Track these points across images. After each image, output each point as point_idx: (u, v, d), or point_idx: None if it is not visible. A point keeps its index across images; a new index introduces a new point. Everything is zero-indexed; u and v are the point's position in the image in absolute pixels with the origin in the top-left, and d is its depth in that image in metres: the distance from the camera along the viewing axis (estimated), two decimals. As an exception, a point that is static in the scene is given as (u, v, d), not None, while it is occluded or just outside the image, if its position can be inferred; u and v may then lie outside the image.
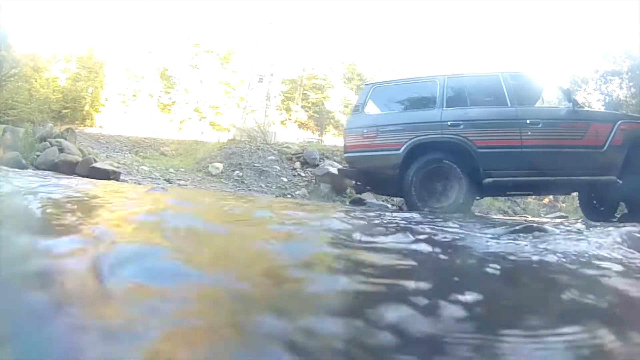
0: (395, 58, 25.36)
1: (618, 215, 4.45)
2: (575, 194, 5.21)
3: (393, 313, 0.70)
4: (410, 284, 0.89)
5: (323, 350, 0.59)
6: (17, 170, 5.43)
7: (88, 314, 0.63)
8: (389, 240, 1.46)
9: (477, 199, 4.93)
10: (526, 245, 1.48)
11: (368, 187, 5.37)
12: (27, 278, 0.76)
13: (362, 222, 2.16)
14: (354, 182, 5.13)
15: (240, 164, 9.62)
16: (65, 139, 7.89)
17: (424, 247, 1.35)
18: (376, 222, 2.23)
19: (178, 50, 24.07)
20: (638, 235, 1.57)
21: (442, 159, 4.00)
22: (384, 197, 7.42)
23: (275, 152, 10.31)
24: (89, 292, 0.73)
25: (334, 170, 8.74)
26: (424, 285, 0.90)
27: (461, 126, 4.03)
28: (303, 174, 9.56)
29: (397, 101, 4.64)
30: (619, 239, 1.52)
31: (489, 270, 1.12)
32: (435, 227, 2.01)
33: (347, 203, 6.83)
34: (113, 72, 22.91)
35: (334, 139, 21.49)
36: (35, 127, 8.55)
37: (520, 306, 0.87)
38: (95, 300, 0.69)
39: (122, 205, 2.33)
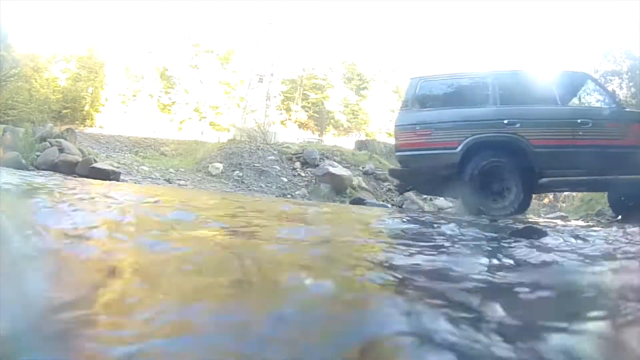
0: (395, 58, 25.46)
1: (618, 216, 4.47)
2: (575, 194, 5.21)
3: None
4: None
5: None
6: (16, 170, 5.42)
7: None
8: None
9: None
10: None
11: (410, 187, 5.12)
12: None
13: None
14: (396, 181, 4.90)
15: (240, 164, 9.63)
16: (65, 139, 7.88)
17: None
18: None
19: (178, 50, 24.05)
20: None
21: (500, 159, 3.90)
22: (383, 197, 7.40)
23: (275, 152, 10.32)
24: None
25: (334, 170, 8.76)
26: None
27: (517, 124, 3.92)
28: (303, 174, 9.56)
29: (446, 97, 4.43)
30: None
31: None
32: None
33: (348, 203, 6.82)
34: (113, 72, 22.88)
35: (334, 139, 21.52)
36: (35, 127, 8.52)
37: None
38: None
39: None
